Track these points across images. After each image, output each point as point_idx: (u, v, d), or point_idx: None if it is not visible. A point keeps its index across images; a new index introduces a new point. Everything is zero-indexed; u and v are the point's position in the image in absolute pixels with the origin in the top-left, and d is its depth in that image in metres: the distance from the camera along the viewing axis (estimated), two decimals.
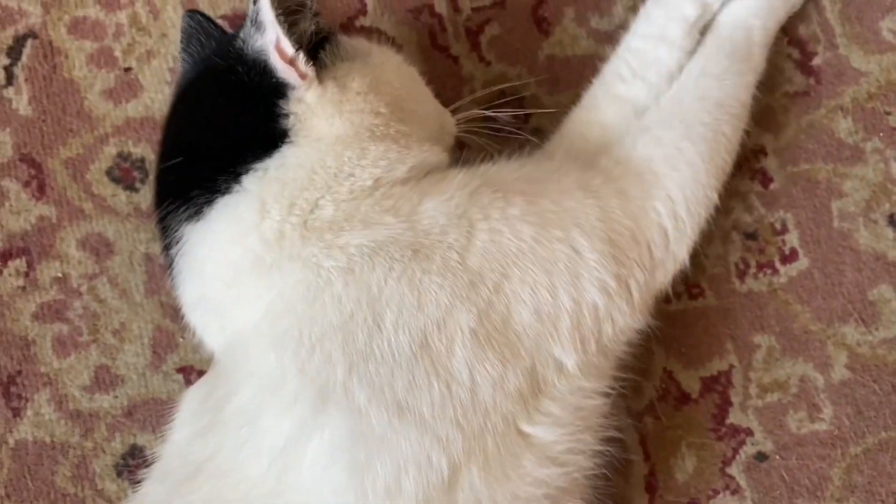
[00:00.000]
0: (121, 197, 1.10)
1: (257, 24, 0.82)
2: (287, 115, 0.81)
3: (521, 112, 1.05)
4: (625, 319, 0.85)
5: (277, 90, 0.82)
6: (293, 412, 0.76)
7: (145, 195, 1.09)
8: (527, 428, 0.81)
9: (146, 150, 1.10)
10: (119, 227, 1.09)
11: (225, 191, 0.80)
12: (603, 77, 1.01)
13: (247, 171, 0.80)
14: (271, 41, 0.82)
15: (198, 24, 0.95)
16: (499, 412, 0.78)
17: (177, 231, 0.83)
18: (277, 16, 0.80)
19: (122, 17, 1.13)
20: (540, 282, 0.80)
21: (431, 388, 0.76)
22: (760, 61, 1.01)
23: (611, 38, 1.08)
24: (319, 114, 0.82)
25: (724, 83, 0.96)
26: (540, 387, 0.81)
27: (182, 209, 0.82)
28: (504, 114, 1.05)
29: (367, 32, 1.09)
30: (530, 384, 0.80)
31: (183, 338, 1.08)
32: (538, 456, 0.80)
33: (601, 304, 0.83)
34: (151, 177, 0.95)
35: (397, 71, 0.90)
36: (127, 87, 1.11)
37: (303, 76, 0.82)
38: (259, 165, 0.80)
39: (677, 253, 0.89)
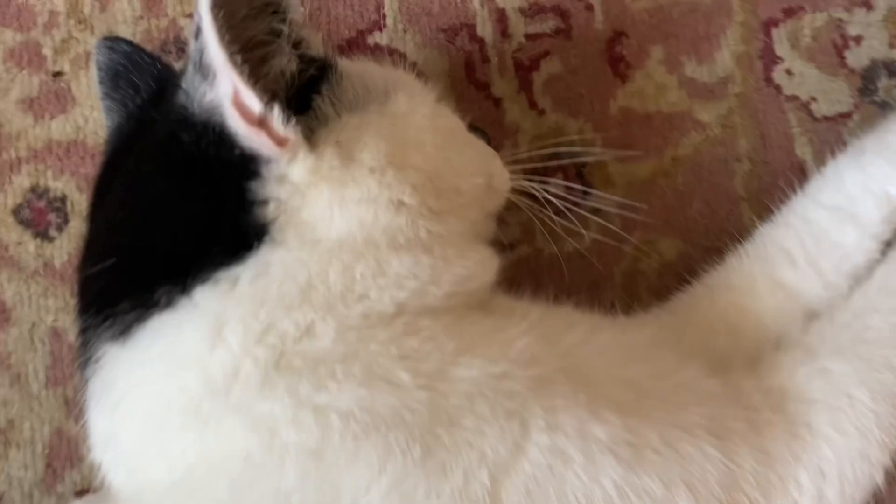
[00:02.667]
0: (28, 247, 0.92)
1: (203, 70, 0.61)
2: (264, 202, 0.63)
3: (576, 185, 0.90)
4: None
5: (244, 165, 0.63)
6: None
7: (62, 247, 0.93)
8: None
9: (69, 187, 0.93)
10: (21, 289, 0.92)
11: (165, 305, 0.63)
12: (763, 247, 0.81)
13: (202, 281, 0.62)
14: (226, 94, 0.61)
15: (124, 58, 0.77)
16: None
17: (95, 348, 0.66)
18: (231, 55, 0.59)
19: (59, 2, 0.95)
20: None
21: None
22: None
23: (711, 94, 0.93)
24: (313, 201, 0.64)
25: None
26: None
27: (104, 323, 0.65)
28: (556, 182, 0.87)
29: (381, 53, 0.94)
30: None
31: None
32: None
33: None
34: (75, 280, 0.78)
35: (432, 124, 0.70)
36: (54, 97, 0.94)
37: (281, 143, 0.62)
38: (222, 274, 0.62)
39: None
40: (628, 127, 0.93)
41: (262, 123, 0.62)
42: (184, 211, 0.64)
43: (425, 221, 0.66)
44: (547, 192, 0.81)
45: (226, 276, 0.63)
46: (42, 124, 0.94)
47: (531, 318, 0.67)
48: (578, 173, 0.91)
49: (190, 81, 0.63)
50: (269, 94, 0.61)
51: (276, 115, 0.62)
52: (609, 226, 0.88)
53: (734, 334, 0.78)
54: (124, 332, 0.64)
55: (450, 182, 0.69)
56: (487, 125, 0.91)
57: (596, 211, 0.89)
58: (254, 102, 0.61)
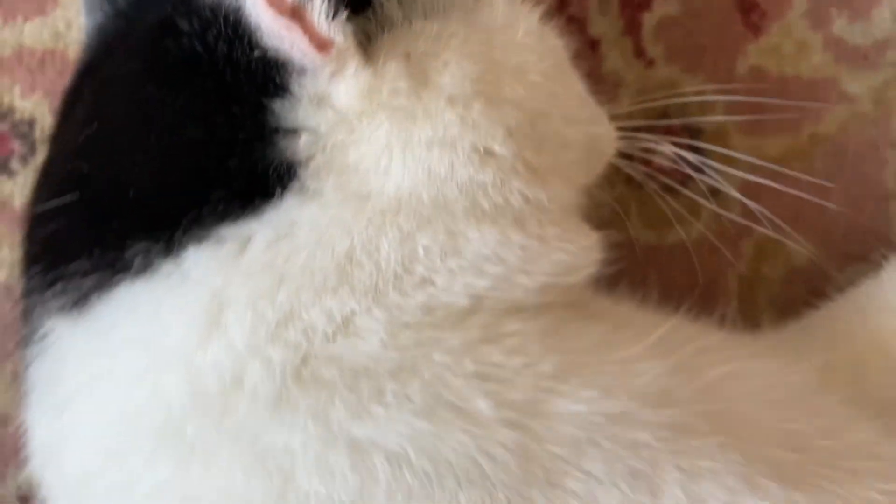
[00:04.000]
0: None
1: None
2: (292, 132, 0.50)
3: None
4: None
5: (267, 75, 0.50)
6: None
7: (25, 184, 0.82)
8: None
9: (40, 110, 0.82)
10: None
11: (139, 269, 0.50)
12: None
13: (197, 239, 0.49)
14: None
15: None
16: None
17: (40, 320, 0.54)
18: None
19: None
20: None
21: None
22: None
23: (864, 61, 0.83)
24: (366, 137, 0.51)
25: None
26: None
27: (53, 286, 0.53)
28: (667, 146, 0.74)
29: None
30: None
31: None
32: None
33: None
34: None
35: (539, 44, 0.57)
36: None
37: (323, 46, 0.50)
38: (227, 231, 0.49)
39: None
40: (759, 91, 0.81)
41: (296, 14, 0.48)
42: (175, 133, 0.49)
43: (520, 182, 0.53)
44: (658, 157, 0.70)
45: (232, 234, 0.49)
46: (12, 27, 0.82)
47: (654, 332, 0.53)
48: (692, 145, 0.79)
49: None
50: None
51: (319, 4, 0.48)
52: (727, 215, 0.76)
53: (894, 367, 0.68)
54: (80, 302, 0.50)
55: (555, 129, 0.56)
56: (580, 74, 0.78)
57: (711, 194, 0.77)
58: None
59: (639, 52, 0.82)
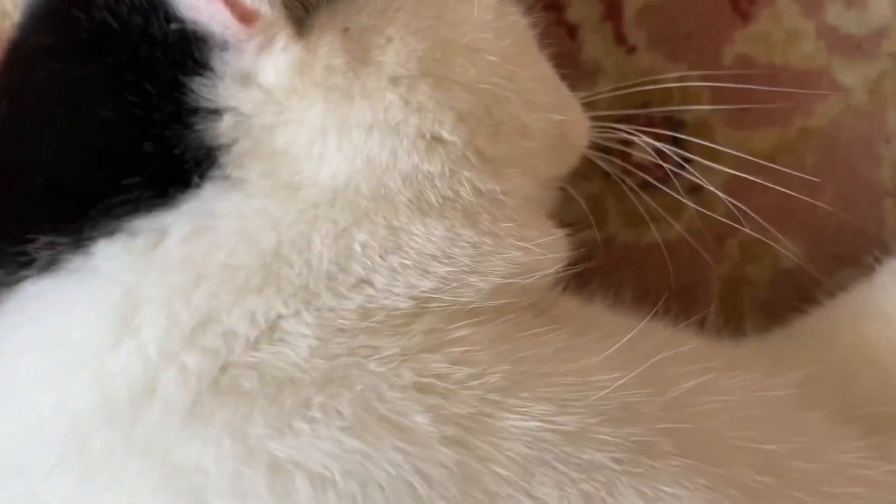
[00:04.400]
0: None
1: None
2: (214, 113, 0.48)
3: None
4: None
5: (185, 51, 0.48)
6: None
7: None
8: None
9: None
10: None
11: (45, 265, 0.48)
12: None
13: (107, 233, 0.47)
14: None
15: None
16: None
17: None
18: None
19: None
20: None
21: None
22: None
23: (858, 50, 0.81)
24: (297, 119, 0.49)
25: None
26: None
27: None
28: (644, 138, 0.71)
29: None
30: None
31: None
32: None
33: None
34: None
35: (496, 21, 0.54)
36: None
37: (247, 18, 0.47)
38: (140, 223, 0.47)
39: None
40: (746, 81, 0.79)
41: None
42: (84, 114, 0.46)
43: (472, 172, 0.50)
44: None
45: (146, 226, 0.46)
46: None
47: (617, 338, 0.50)
48: (675, 139, 0.77)
49: None
50: None
51: None
52: (711, 214, 0.74)
53: (885, 380, 0.66)
54: None
55: (513, 114, 0.52)
56: (560, 59, 0.74)
57: (694, 190, 0.74)
58: None
59: (619, 39, 0.80)
